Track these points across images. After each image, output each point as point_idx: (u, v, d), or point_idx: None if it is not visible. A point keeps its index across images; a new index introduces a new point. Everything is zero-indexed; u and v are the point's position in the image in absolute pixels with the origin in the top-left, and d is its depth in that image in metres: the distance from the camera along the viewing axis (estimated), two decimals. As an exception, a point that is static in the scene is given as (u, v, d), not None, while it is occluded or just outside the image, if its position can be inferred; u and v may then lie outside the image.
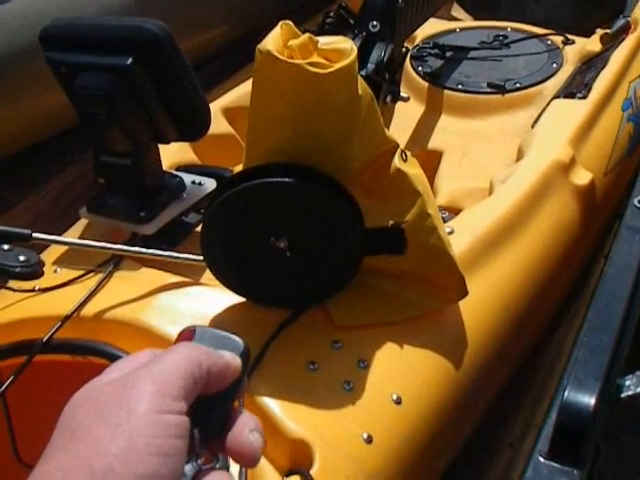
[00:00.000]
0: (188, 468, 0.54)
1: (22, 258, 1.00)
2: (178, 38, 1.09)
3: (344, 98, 0.93)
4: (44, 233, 1.05)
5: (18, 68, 1.86)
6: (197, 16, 2.42)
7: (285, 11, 2.43)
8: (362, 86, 0.94)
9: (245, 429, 0.57)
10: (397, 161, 1.01)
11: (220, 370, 0.57)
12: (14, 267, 1.00)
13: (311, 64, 0.89)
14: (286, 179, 0.93)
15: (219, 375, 0.56)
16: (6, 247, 1.01)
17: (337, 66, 0.89)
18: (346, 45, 0.92)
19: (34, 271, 1.02)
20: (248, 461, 0.57)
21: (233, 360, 0.58)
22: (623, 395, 1.00)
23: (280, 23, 0.92)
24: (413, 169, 1.03)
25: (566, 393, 0.92)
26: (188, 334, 0.61)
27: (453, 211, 1.52)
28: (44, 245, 1.17)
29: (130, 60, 1.06)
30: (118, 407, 0.51)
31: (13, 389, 0.98)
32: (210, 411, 0.56)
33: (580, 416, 0.91)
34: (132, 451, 0.48)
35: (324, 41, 0.93)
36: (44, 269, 1.06)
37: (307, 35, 0.92)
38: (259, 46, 0.90)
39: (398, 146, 1.02)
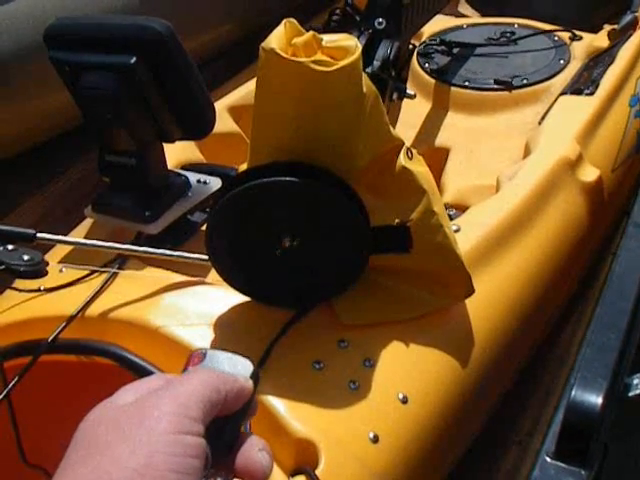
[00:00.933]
0: None
1: (26, 257, 1.00)
2: (182, 37, 1.09)
3: (349, 96, 0.92)
4: (49, 232, 1.05)
5: (23, 67, 1.85)
6: (202, 14, 2.42)
7: (290, 8, 2.42)
8: (367, 84, 0.94)
9: (254, 448, 0.58)
10: (402, 159, 1.00)
11: (236, 394, 0.58)
12: (19, 266, 1.00)
13: (315, 62, 0.88)
14: (291, 178, 0.92)
15: (235, 399, 0.58)
16: (10, 247, 1.00)
17: (341, 64, 0.89)
18: (350, 43, 0.91)
19: (38, 270, 1.01)
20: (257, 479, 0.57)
21: (246, 383, 0.60)
22: (631, 394, 0.99)
23: (284, 21, 0.92)
24: (419, 167, 1.03)
25: (573, 392, 0.92)
26: (198, 357, 0.61)
27: (460, 208, 1.51)
28: (49, 245, 1.16)
29: (134, 59, 1.05)
30: (138, 425, 0.51)
31: (18, 389, 0.98)
32: (221, 431, 0.57)
33: (587, 416, 0.90)
34: (152, 467, 0.49)
35: (328, 39, 0.92)
36: (48, 269, 1.07)
37: (311, 33, 0.91)
38: (263, 44, 0.89)
39: (404, 144, 1.02)
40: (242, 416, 0.60)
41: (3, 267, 0.99)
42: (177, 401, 0.53)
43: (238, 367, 0.61)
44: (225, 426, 0.57)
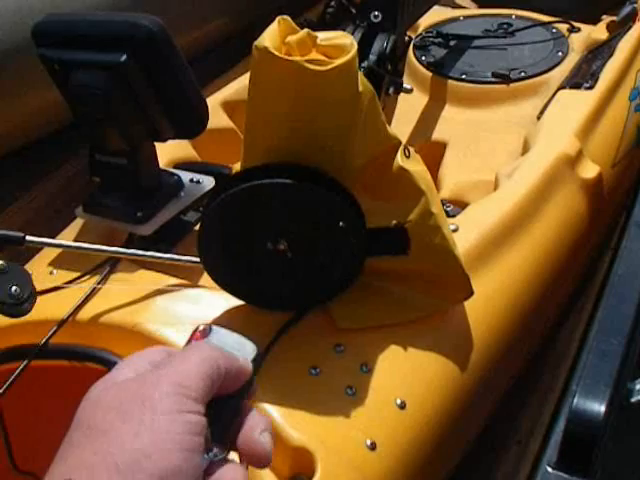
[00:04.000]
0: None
1: (14, 289, 0.93)
2: (174, 33, 1.07)
3: (344, 95, 0.90)
4: (40, 233, 1.03)
5: (12, 65, 1.83)
6: (194, 10, 2.39)
7: (284, 1, 2.39)
8: (363, 82, 0.92)
9: (256, 429, 0.58)
10: (400, 159, 0.98)
11: (235, 373, 0.58)
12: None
13: (310, 61, 0.86)
14: (285, 180, 0.90)
15: (234, 378, 0.58)
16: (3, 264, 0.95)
17: (337, 63, 0.86)
18: (346, 41, 0.89)
19: (21, 310, 0.96)
20: (259, 460, 0.57)
21: (246, 363, 0.60)
22: (633, 400, 0.97)
23: (278, 18, 0.90)
24: (416, 166, 1.00)
25: (575, 400, 0.90)
26: (203, 332, 0.61)
27: (457, 204, 1.50)
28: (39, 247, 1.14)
29: (124, 57, 1.03)
30: (140, 405, 0.52)
31: (8, 395, 0.96)
32: (222, 411, 0.57)
33: (590, 424, 0.88)
34: (156, 446, 0.50)
35: (323, 37, 0.90)
36: (40, 271, 1.05)
37: (305, 31, 0.89)
38: (256, 42, 0.87)
39: (401, 143, 0.99)
40: (243, 396, 0.60)
41: None
42: (177, 380, 0.53)
43: (242, 347, 0.61)
44: (225, 406, 0.57)
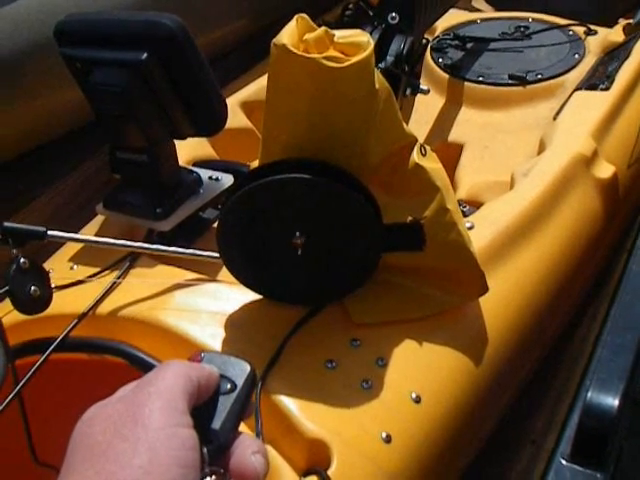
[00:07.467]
0: None
1: (33, 288, 0.96)
2: (194, 32, 1.08)
3: (361, 92, 0.91)
4: (61, 228, 1.04)
5: (35, 64, 1.85)
6: (214, 10, 2.40)
7: (303, 3, 2.40)
8: (379, 80, 0.93)
9: (247, 451, 0.58)
10: (416, 156, 0.99)
11: (206, 380, 0.59)
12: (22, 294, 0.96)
13: (327, 58, 0.87)
14: (303, 175, 0.91)
15: (206, 386, 0.58)
16: (23, 260, 0.96)
17: (353, 60, 0.88)
18: (363, 38, 0.90)
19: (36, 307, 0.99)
20: None
21: (211, 369, 0.60)
22: (647, 394, 0.98)
23: (296, 16, 0.91)
24: (432, 164, 1.01)
25: (589, 394, 0.90)
26: (196, 359, 0.62)
27: (474, 204, 1.50)
28: (61, 242, 1.16)
29: (145, 55, 1.05)
30: (133, 424, 0.52)
31: (29, 388, 0.98)
32: (209, 425, 0.57)
33: (603, 418, 0.89)
34: (155, 463, 0.50)
35: (340, 35, 0.91)
36: (59, 265, 1.06)
37: (323, 29, 0.91)
38: (274, 40, 0.89)
39: (417, 141, 1.00)
40: (237, 414, 0.60)
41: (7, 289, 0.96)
42: (162, 396, 0.54)
43: (234, 368, 0.61)
44: (205, 415, 0.58)
